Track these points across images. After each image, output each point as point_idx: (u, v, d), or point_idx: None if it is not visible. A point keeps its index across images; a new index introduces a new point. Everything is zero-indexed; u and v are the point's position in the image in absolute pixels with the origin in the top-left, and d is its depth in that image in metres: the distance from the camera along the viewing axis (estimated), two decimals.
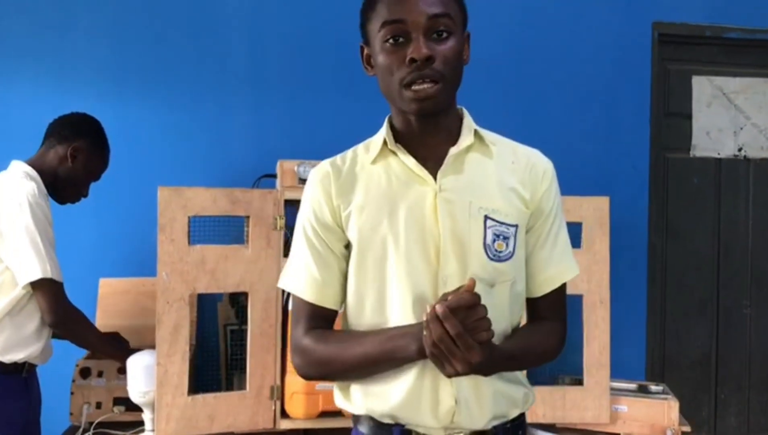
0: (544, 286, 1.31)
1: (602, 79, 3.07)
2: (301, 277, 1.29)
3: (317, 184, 1.30)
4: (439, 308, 1.06)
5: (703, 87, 3.26)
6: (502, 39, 2.95)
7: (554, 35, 3.04)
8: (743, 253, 3.32)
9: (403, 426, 1.25)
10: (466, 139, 1.27)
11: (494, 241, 1.22)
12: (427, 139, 1.27)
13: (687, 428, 2.28)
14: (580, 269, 1.31)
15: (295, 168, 2.18)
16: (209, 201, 2.07)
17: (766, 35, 3.21)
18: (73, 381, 2.27)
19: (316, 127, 2.86)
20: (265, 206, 2.11)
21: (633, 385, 2.41)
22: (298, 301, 1.30)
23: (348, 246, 1.29)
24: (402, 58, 1.18)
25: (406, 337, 1.17)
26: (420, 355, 1.15)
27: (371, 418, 1.28)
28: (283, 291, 2.13)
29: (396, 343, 1.18)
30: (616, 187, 2.85)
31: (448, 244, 1.22)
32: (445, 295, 1.11)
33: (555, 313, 1.33)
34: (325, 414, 2.13)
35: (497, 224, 1.23)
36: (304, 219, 1.31)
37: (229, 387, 2.38)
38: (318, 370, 1.29)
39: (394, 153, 1.27)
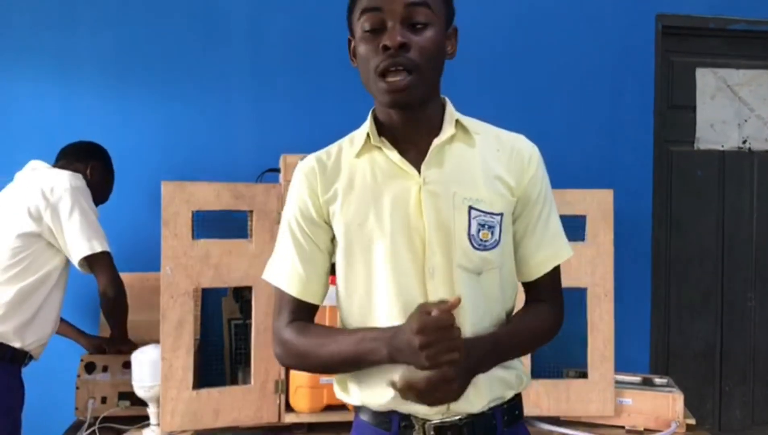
0: (537, 269, 1.32)
1: (606, 71, 3.06)
2: (285, 271, 1.30)
3: (303, 180, 1.32)
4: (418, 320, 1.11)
5: (707, 79, 3.25)
6: (504, 33, 2.94)
7: (557, 28, 3.03)
8: (747, 245, 3.31)
9: (401, 414, 1.26)
10: (447, 130, 1.26)
11: (479, 230, 1.23)
12: (409, 131, 1.26)
13: (692, 421, 2.28)
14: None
15: (299, 162, 2.18)
16: (212, 196, 2.07)
17: None
18: (78, 376, 2.28)
19: (319, 121, 2.86)
20: (269, 201, 2.11)
21: (637, 378, 2.41)
22: (281, 293, 1.31)
23: (333, 240, 1.30)
24: (377, 46, 1.17)
25: (377, 340, 1.19)
26: (390, 360, 1.17)
27: (370, 408, 1.30)
28: None
29: (368, 345, 1.20)
30: (620, 180, 2.84)
31: (433, 236, 1.22)
32: (424, 305, 1.14)
33: (550, 295, 1.34)
34: (329, 408, 2.13)
35: (482, 214, 1.23)
36: (289, 214, 1.32)
37: (234, 381, 2.39)
38: (296, 362, 1.33)
39: (379, 147, 1.27)
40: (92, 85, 2.76)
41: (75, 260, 2.19)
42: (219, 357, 2.55)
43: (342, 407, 2.13)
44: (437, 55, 1.21)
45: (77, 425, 2.24)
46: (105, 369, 2.29)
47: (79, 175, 2.29)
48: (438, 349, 1.09)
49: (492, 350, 1.21)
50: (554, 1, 3.02)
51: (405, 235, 1.23)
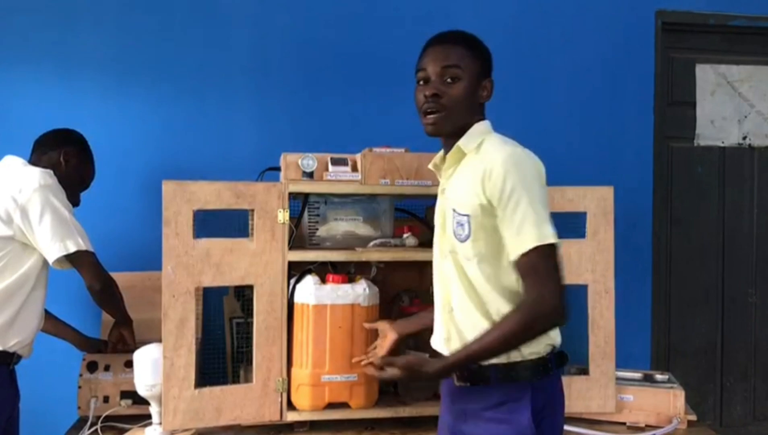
0: (510, 257, 1.54)
1: (606, 68, 3.06)
2: None
3: None
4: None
5: (707, 75, 3.25)
6: (505, 29, 2.94)
7: (557, 24, 3.03)
8: (748, 241, 3.32)
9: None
10: (450, 157, 1.68)
11: (456, 227, 1.62)
12: (448, 151, 1.70)
13: (693, 417, 2.28)
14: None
15: (299, 161, 2.18)
16: (214, 194, 2.07)
17: None
18: (81, 375, 2.28)
19: (319, 120, 2.86)
20: (270, 199, 2.12)
21: (638, 375, 2.41)
22: None
23: None
24: (423, 94, 1.65)
25: None
26: None
27: None
28: (289, 283, 2.14)
29: None
30: (621, 176, 2.84)
31: (441, 229, 1.70)
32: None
33: (525, 285, 1.53)
34: (331, 406, 2.14)
35: (457, 215, 1.62)
36: None
37: (235, 380, 2.39)
38: None
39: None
40: (92, 85, 2.76)
41: (50, 261, 2.14)
42: (221, 355, 2.55)
43: (343, 405, 2.14)
44: (463, 101, 1.64)
45: (80, 424, 2.25)
46: (107, 368, 2.30)
47: (50, 172, 2.21)
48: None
49: (451, 365, 1.57)
50: None
51: (437, 227, 1.74)
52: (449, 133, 1.67)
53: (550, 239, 1.50)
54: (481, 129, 1.67)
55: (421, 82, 1.67)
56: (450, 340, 1.65)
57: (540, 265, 1.49)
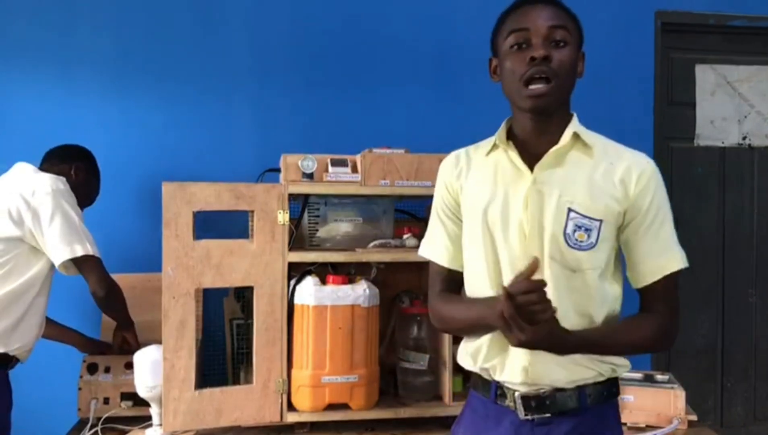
0: (645, 277, 1.43)
1: (605, 68, 3.05)
2: (437, 246, 1.54)
3: (442, 171, 1.55)
4: (504, 290, 1.24)
5: (706, 76, 3.25)
6: None
7: None
8: (748, 241, 3.32)
9: (498, 382, 1.44)
10: (563, 140, 1.41)
11: (575, 231, 1.37)
12: (535, 138, 1.42)
13: (693, 417, 2.28)
14: None
15: (299, 162, 2.18)
16: (213, 196, 2.07)
17: None
18: (81, 377, 2.28)
19: (319, 121, 2.86)
20: (269, 201, 2.11)
21: (639, 375, 2.41)
22: (434, 265, 1.54)
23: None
24: (524, 59, 1.36)
25: (489, 308, 1.32)
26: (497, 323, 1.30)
27: (479, 377, 1.49)
28: (289, 285, 2.14)
29: (483, 312, 1.36)
30: None
31: (534, 229, 1.37)
32: (518, 275, 1.26)
33: (658, 305, 1.43)
34: (331, 407, 2.14)
35: (579, 217, 1.37)
36: (436, 198, 1.56)
37: (236, 381, 2.39)
38: (443, 326, 1.57)
39: (504, 148, 1.45)
40: (92, 87, 2.76)
41: (56, 264, 2.16)
42: (221, 357, 2.55)
43: (344, 406, 2.14)
44: (571, 70, 1.39)
45: (80, 426, 2.25)
46: (107, 370, 2.29)
47: (62, 178, 2.26)
48: (520, 316, 1.24)
49: (574, 345, 1.34)
50: None
51: (511, 225, 1.40)
52: (555, 109, 1.41)
53: (686, 262, 1.44)
54: (574, 117, 1.46)
55: (515, 48, 1.37)
56: (538, 353, 1.38)
57: (675, 287, 1.44)
